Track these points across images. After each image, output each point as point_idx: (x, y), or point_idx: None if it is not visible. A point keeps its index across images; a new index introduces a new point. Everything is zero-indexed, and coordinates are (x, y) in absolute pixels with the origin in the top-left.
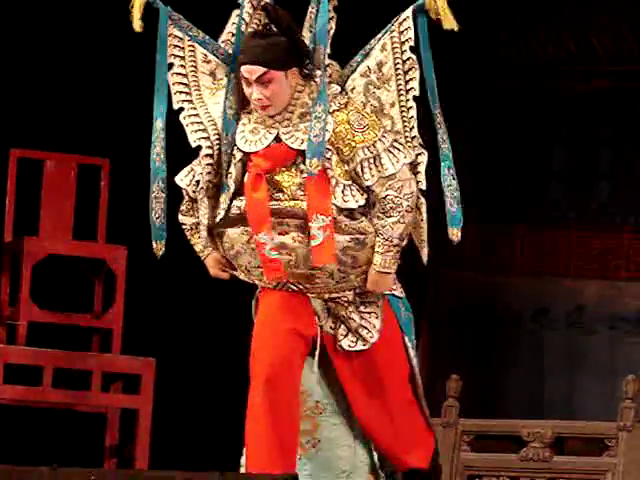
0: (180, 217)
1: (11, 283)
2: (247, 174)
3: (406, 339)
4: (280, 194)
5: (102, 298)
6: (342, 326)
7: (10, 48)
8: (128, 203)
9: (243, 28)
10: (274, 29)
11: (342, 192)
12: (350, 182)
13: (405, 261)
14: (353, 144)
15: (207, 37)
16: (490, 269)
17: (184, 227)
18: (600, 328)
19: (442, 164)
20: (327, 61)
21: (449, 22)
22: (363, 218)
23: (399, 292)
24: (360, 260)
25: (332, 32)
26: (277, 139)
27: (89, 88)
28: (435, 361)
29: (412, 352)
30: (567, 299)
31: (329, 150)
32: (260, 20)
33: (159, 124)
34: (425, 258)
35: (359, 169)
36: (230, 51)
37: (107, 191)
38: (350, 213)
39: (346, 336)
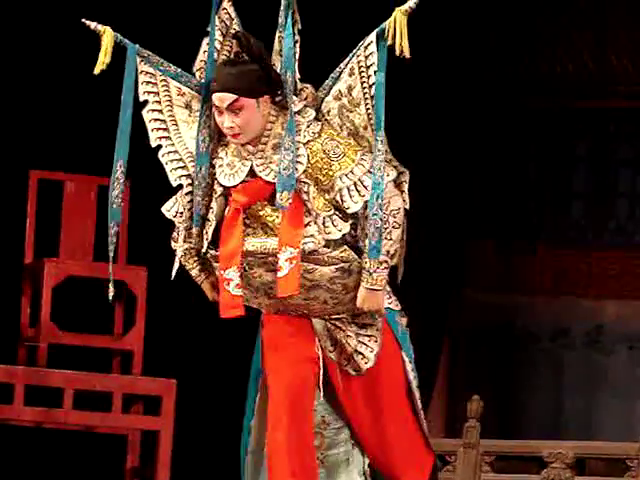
0: (173, 244)
1: (31, 304)
2: (227, 208)
3: (403, 354)
4: (267, 229)
5: (122, 319)
6: (343, 353)
7: (29, 70)
8: (148, 224)
9: (215, 56)
10: (246, 57)
11: (323, 224)
12: (331, 212)
13: (425, 282)
14: (331, 173)
15: (179, 70)
16: (509, 289)
17: (177, 253)
18: (619, 348)
19: (372, 191)
20: (300, 85)
21: (404, 48)
22: (345, 247)
23: (394, 305)
24: (349, 286)
25: (297, 55)
26: (252, 171)
27: (109, 110)
28: (455, 381)
29: (409, 366)
30: (586, 319)
31: (306, 183)
32: (231, 48)
33: (119, 166)
34: (400, 277)
35: (338, 198)
36: (203, 80)
37: (127, 212)
38: (333, 242)
39: (349, 362)
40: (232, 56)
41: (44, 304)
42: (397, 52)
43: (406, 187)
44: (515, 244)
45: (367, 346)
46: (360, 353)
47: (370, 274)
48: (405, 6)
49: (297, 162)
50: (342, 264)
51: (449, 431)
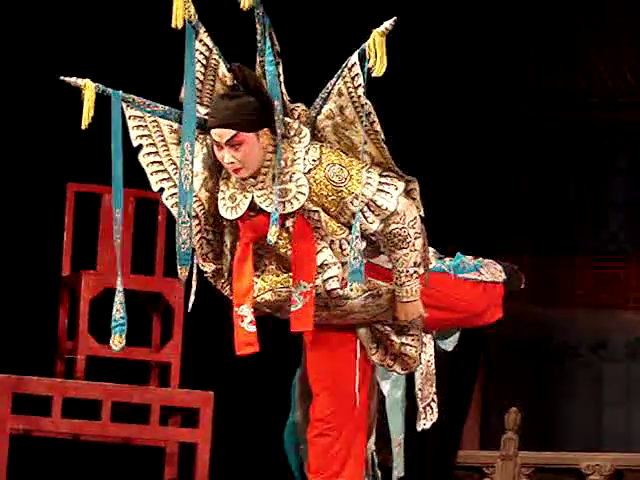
0: (201, 263)
1: (69, 317)
2: (237, 243)
3: (458, 275)
4: (282, 261)
5: (160, 332)
6: (388, 353)
7: (65, 83)
8: None
9: (200, 87)
10: (242, 89)
11: (340, 247)
12: (346, 234)
13: None
14: (338, 199)
15: (167, 107)
16: (548, 301)
17: (206, 275)
18: None
19: (357, 215)
20: (291, 105)
21: (380, 69)
22: (369, 278)
23: (433, 264)
24: (384, 304)
25: (282, 78)
26: (254, 203)
27: None
28: (492, 393)
29: (465, 274)
30: (626, 331)
31: (315, 211)
32: (214, 79)
33: (118, 215)
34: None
35: (354, 221)
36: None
37: (164, 225)
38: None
39: (395, 361)
40: (217, 87)
41: (82, 316)
42: (375, 73)
43: (417, 194)
44: (553, 256)
45: (411, 346)
46: (405, 354)
47: (402, 289)
48: (382, 27)
49: (299, 192)
50: (369, 292)
51: (484, 444)
